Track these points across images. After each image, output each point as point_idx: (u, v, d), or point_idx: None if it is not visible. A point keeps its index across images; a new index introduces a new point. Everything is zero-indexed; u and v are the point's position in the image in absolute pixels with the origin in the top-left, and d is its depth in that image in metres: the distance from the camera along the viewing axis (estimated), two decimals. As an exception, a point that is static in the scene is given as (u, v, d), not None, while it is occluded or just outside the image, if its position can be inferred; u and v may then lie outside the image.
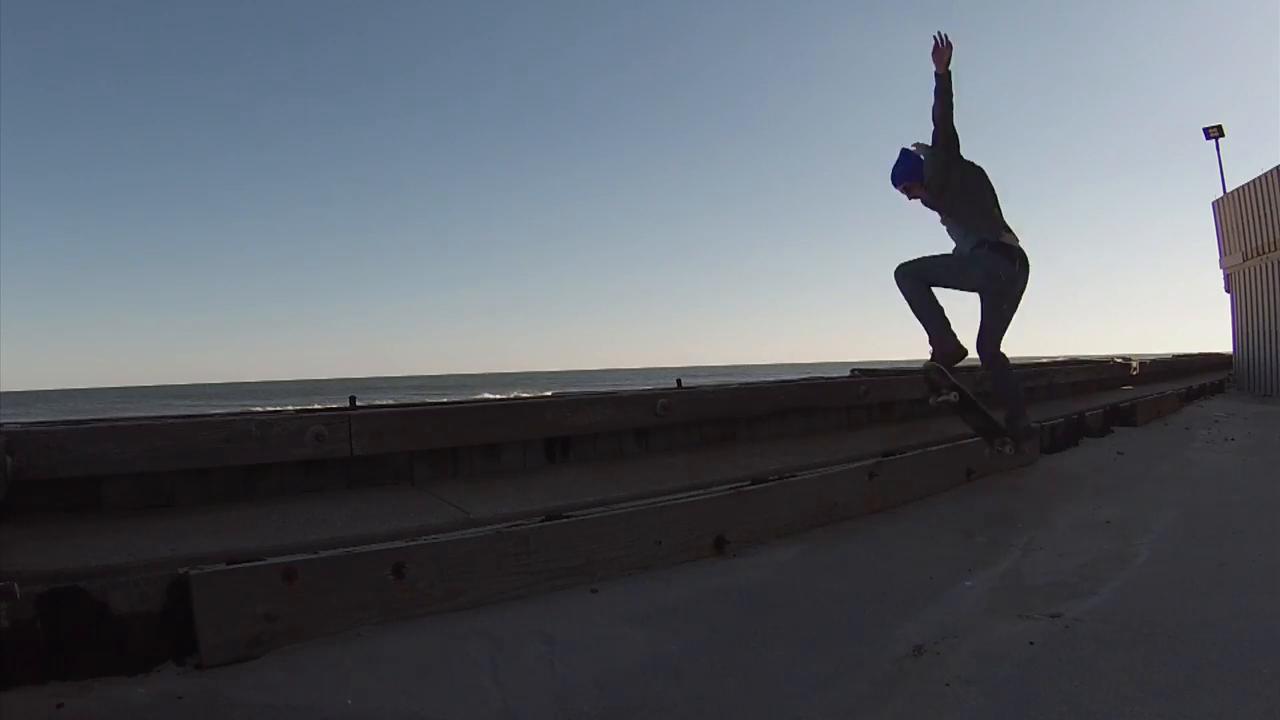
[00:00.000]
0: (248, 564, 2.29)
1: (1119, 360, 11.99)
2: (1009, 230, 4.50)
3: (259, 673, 2.11)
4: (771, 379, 6.08)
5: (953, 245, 4.63)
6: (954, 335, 4.51)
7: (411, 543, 2.58)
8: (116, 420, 3.08)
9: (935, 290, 4.49)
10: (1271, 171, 12.56)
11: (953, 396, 4.60)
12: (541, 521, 2.88)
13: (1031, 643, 2.40)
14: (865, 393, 6.11)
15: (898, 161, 4.54)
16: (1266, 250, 12.86)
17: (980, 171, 4.51)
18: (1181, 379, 13.26)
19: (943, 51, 4.12)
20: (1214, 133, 17.90)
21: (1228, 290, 14.74)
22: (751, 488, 3.57)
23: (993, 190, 4.53)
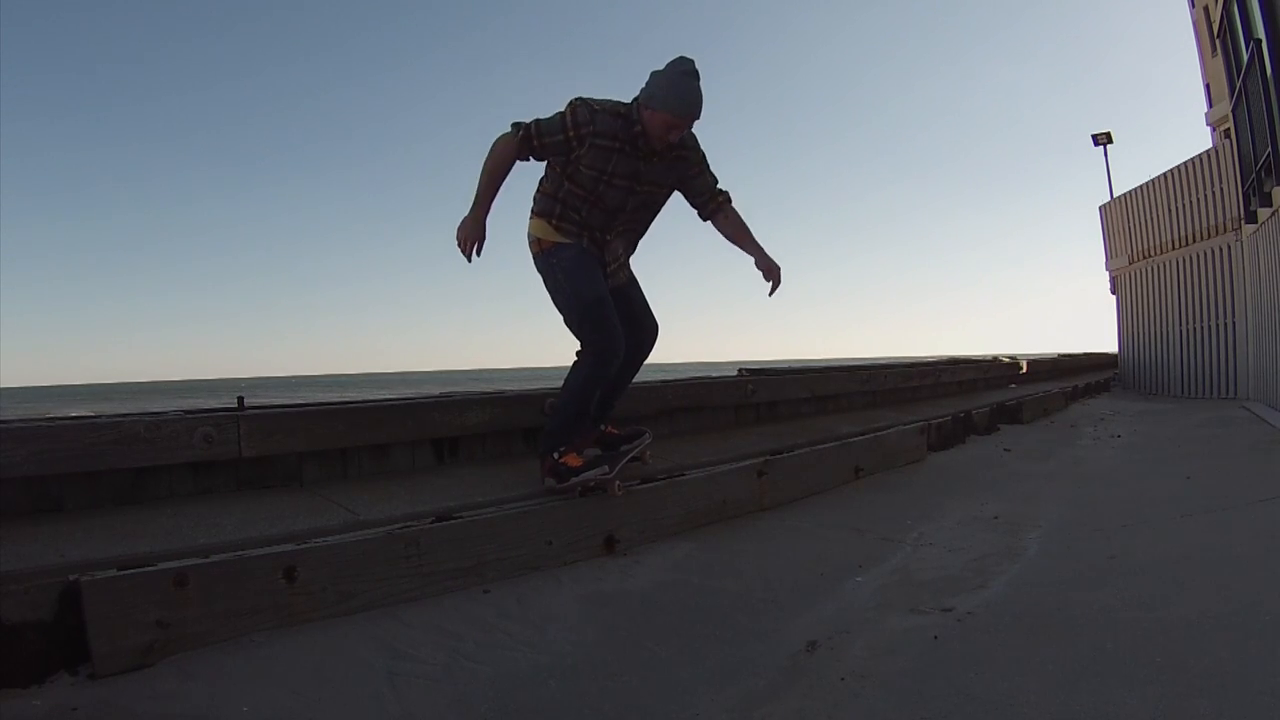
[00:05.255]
0: (139, 569, 2.30)
1: (1005, 359, 12.25)
2: None
3: (153, 681, 2.11)
4: (659, 378, 6.10)
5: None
6: None
7: (302, 546, 2.61)
8: (3, 422, 2.99)
9: None
10: (1156, 178, 13.34)
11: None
12: (432, 522, 2.92)
13: (924, 636, 2.45)
14: (752, 392, 6.21)
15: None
16: (1150, 254, 13.60)
17: None
18: (1067, 378, 13.71)
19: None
20: (1103, 139, 18.84)
21: (1113, 292, 15.44)
22: (640, 486, 3.62)
23: None
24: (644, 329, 3.73)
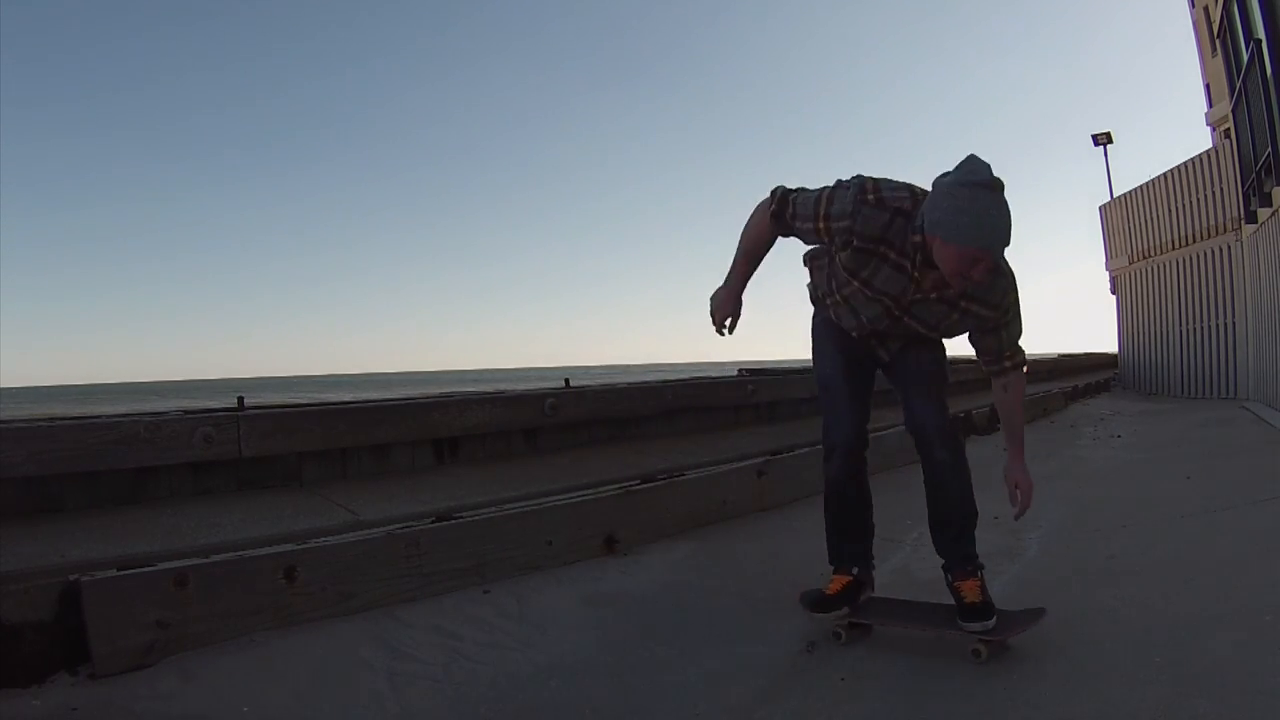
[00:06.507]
0: (139, 570, 2.30)
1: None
2: None
3: (153, 681, 2.11)
4: (659, 378, 6.11)
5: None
6: None
7: (302, 546, 2.61)
8: (3, 422, 3.00)
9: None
10: (1156, 178, 13.32)
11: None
12: (432, 522, 2.92)
13: (924, 636, 2.44)
14: (752, 392, 6.21)
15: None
16: (1150, 254, 13.57)
17: None
18: (1067, 378, 13.69)
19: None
20: (1103, 139, 18.80)
21: (1113, 292, 15.40)
22: (640, 487, 3.62)
23: None
24: (912, 423, 2.78)
